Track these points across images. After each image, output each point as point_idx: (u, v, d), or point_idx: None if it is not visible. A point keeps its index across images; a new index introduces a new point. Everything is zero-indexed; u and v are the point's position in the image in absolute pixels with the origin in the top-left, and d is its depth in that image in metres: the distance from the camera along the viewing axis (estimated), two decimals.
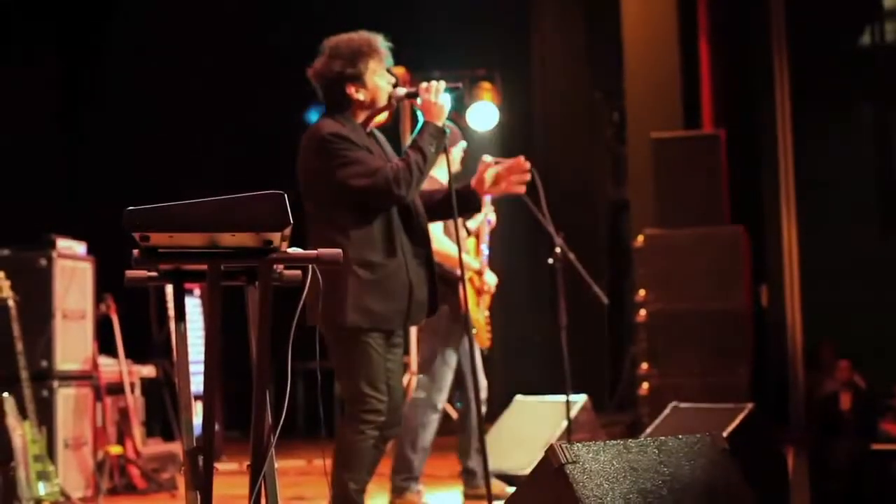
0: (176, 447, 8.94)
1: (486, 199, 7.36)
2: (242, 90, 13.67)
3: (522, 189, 6.07)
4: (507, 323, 13.84)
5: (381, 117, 5.90)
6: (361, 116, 5.78)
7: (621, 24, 10.98)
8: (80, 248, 8.14)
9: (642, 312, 9.09)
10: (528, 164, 6.01)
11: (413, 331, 9.25)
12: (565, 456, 3.72)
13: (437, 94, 5.76)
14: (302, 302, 3.41)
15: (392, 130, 6.11)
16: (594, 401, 8.68)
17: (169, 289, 8.12)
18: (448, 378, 7.51)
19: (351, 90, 5.73)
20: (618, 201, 14.21)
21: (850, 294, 11.72)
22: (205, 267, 3.28)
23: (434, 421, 7.52)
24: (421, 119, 5.80)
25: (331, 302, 5.52)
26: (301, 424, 12.56)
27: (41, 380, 7.64)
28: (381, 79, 5.77)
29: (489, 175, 6.00)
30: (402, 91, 5.84)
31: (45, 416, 7.46)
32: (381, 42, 5.80)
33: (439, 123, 5.75)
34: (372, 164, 5.60)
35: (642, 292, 9.09)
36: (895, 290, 11.65)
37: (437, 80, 5.82)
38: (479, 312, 7.60)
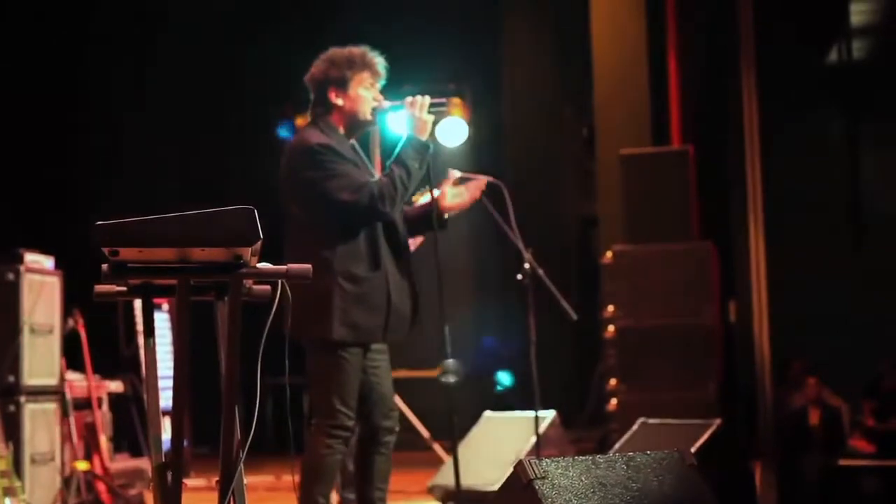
0: (144, 463, 8.91)
1: None
2: (215, 104, 13.66)
3: (475, 197, 6.07)
4: (477, 338, 13.85)
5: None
6: (342, 126, 5.78)
7: (591, 40, 11.01)
8: (47, 262, 8.10)
9: (611, 328, 9.09)
10: (483, 184, 6.05)
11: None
12: (534, 471, 3.73)
13: (423, 110, 5.76)
14: (271, 318, 3.41)
15: (362, 144, 6.10)
16: (563, 417, 8.69)
17: (138, 303, 8.10)
18: None
19: (332, 94, 5.75)
20: (587, 217, 14.23)
21: (819, 309, 11.75)
22: (174, 282, 3.28)
23: None
24: (405, 133, 5.79)
25: (316, 314, 5.54)
26: (270, 440, 12.52)
27: (8, 395, 7.59)
28: (366, 91, 5.78)
29: (449, 192, 6.02)
30: (386, 104, 5.85)
31: (11, 432, 7.41)
32: (379, 60, 5.82)
33: (423, 138, 5.75)
34: (358, 178, 5.62)
35: (611, 308, 9.10)
36: (865, 305, 11.68)
37: (421, 94, 5.81)
38: None
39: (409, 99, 5.76)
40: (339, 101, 5.76)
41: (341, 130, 5.79)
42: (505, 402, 11.47)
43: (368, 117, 5.81)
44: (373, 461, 5.80)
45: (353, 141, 5.86)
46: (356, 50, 5.80)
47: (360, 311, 5.60)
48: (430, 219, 5.89)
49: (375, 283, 5.66)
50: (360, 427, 5.78)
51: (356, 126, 5.85)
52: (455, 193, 6.02)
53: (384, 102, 5.83)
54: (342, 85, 5.75)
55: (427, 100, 5.76)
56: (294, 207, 5.75)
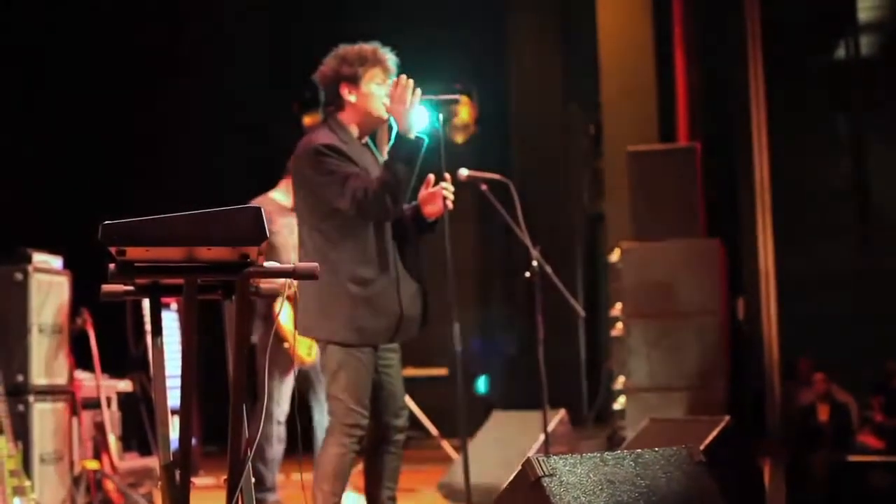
0: (153, 462, 8.91)
1: None
2: (223, 104, 13.67)
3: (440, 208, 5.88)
4: (484, 337, 13.86)
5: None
6: (355, 124, 5.74)
7: (597, 37, 11.01)
8: (56, 261, 8.11)
9: (619, 326, 9.09)
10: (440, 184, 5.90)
11: None
12: (542, 469, 3.73)
13: (403, 100, 5.62)
14: (277, 317, 3.41)
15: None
16: (572, 414, 8.69)
17: (146, 303, 8.10)
18: (282, 391, 7.48)
19: (344, 90, 5.70)
20: (594, 214, 14.22)
21: (826, 307, 11.75)
22: (181, 281, 3.28)
23: (279, 432, 7.55)
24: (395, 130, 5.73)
25: (323, 317, 5.53)
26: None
27: (17, 394, 7.59)
28: (378, 88, 5.72)
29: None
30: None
31: (21, 431, 7.42)
32: (389, 57, 5.77)
33: (411, 135, 5.64)
34: (352, 184, 5.55)
35: (618, 305, 9.10)
36: (872, 302, 11.69)
37: (405, 78, 5.71)
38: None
39: (391, 90, 5.62)
40: (352, 98, 5.70)
41: (354, 129, 5.74)
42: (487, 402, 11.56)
43: (383, 115, 5.74)
44: (383, 460, 5.79)
45: (365, 139, 5.82)
46: (367, 46, 5.76)
47: (367, 315, 5.57)
48: (418, 222, 5.84)
49: (384, 286, 5.62)
50: (370, 425, 5.77)
51: (370, 123, 5.79)
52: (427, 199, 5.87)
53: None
54: (354, 81, 5.70)
55: (410, 83, 5.63)
56: (305, 210, 5.74)
